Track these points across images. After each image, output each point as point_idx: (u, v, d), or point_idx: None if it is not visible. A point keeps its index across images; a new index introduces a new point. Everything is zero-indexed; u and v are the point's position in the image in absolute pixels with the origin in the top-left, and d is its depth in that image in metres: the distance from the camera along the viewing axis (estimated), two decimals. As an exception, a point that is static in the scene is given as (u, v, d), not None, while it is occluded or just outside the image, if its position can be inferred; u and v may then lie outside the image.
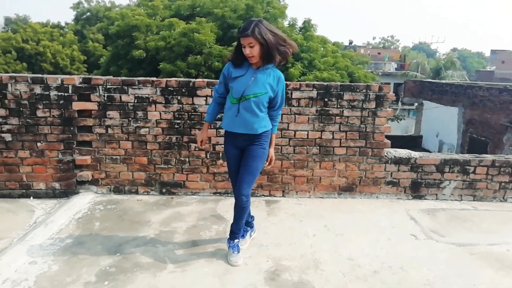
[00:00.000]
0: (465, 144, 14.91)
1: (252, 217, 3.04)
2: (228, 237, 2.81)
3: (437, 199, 4.04)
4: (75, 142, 3.70)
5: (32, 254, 2.73)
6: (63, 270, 2.56)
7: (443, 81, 19.99)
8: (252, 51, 2.42)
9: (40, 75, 3.60)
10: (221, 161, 3.82)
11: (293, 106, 3.79)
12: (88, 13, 28.99)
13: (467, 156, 4.09)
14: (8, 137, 3.63)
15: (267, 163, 2.80)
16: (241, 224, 2.76)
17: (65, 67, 23.63)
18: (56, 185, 3.76)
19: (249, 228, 2.99)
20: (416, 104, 21.40)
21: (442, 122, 16.58)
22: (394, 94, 3.96)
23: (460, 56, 41.12)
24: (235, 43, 2.64)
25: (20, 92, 3.56)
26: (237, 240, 2.78)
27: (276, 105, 2.66)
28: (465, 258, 2.93)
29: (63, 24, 30.25)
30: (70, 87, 3.58)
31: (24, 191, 3.74)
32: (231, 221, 3.28)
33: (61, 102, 3.59)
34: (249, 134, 2.60)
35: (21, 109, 3.59)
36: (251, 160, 2.64)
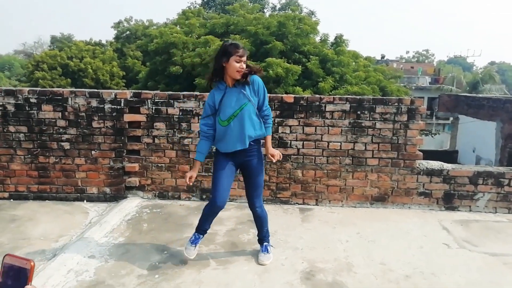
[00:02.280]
0: (503, 159, 14.38)
1: (210, 227, 2.99)
2: (260, 244, 3.03)
3: (470, 211, 4.07)
4: (125, 151, 4.06)
5: (91, 250, 3.04)
6: (118, 264, 2.85)
7: (480, 95, 19.45)
8: (244, 66, 2.62)
9: (96, 90, 4.01)
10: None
11: (327, 118, 3.98)
12: (128, 32, 30.56)
13: (501, 169, 4.11)
14: (66, 145, 4.03)
15: (274, 159, 2.84)
16: (265, 231, 2.99)
17: (105, 82, 24.95)
18: (107, 190, 4.11)
19: (201, 235, 2.93)
20: (451, 118, 20.88)
21: (479, 137, 16.10)
22: (426, 108, 4.07)
23: (499, 70, 39.68)
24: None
25: (78, 105, 3.97)
26: (266, 243, 2.99)
27: (260, 105, 2.73)
28: (498, 267, 2.98)
29: (104, 42, 31.99)
30: (122, 100, 3.95)
31: (78, 194, 4.12)
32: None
33: (114, 114, 3.97)
34: (248, 146, 2.71)
35: (79, 120, 3.99)
36: (255, 176, 2.82)
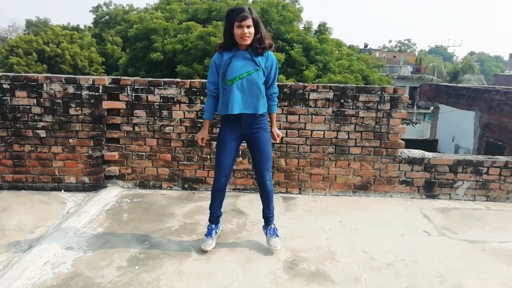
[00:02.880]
0: (481, 148, 14.78)
1: (221, 212, 3.01)
2: (264, 224, 2.99)
3: (450, 198, 4.14)
4: (104, 139, 3.93)
5: (68, 241, 2.95)
6: (97, 255, 2.77)
7: (460, 85, 19.84)
8: (250, 31, 2.57)
9: (73, 76, 3.85)
10: (240, 158, 4.01)
11: (310, 106, 3.95)
12: (107, 17, 29.74)
13: (480, 157, 4.18)
14: (42, 133, 3.88)
15: (278, 139, 2.90)
16: (272, 207, 2.94)
17: (84, 68, 24.32)
18: (86, 179, 3.99)
19: (214, 226, 2.94)
20: (432, 108, 21.26)
21: (458, 126, 16.47)
22: (409, 97, 4.08)
23: (478, 60, 40.47)
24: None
25: (54, 91, 3.81)
26: (273, 224, 2.97)
27: (269, 82, 2.75)
28: (477, 254, 3.04)
29: (82, 27, 31.06)
30: (100, 87, 3.82)
31: (56, 184, 3.99)
32: (251, 215, 3.48)
33: (92, 101, 3.84)
34: (251, 115, 2.69)
35: (55, 107, 3.84)
36: (263, 146, 2.78)
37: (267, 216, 2.96)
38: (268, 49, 2.68)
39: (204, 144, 2.81)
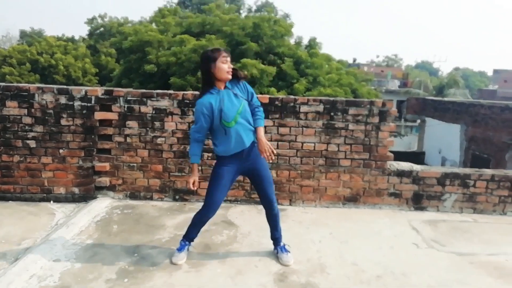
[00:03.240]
0: (467, 161, 15.01)
1: (197, 236, 3.00)
2: (275, 244, 3.03)
3: (438, 211, 4.20)
4: (95, 150, 3.92)
5: (56, 253, 2.91)
6: (85, 268, 2.74)
7: (445, 99, 20.22)
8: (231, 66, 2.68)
9: (65, 87, 3.85)
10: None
11: (301, 119, 4.00)
12: (102, 28, 29.76)
13: (467, 170, 4.27)
14: (32, 143, 3.85)
15: (271, 155, 2.78)
16: (279, 227, 3.02)
17: (77, 79, 24.21)
18: (76, 190, 3.96)
19: (187, 243, 2.94)
20: (418, 121, 21.60)
21: (444, 139, 16.74)
22: (397, 110, 4.17)
23: (463, 75, 41.41)
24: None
25: (46, 101, 3.80)
26: (283, 242, 3.03)
27: (254, 103, 2.81)
28: (465, 266, 3.08)
29: (77, 38, 31.02)
30: (93, 97, 3.82)
31: (45, 195, 3.95)
32: (241, 226, 3.49)
33: (84, 111, 3.83)
34: (250, 146, 2.74)
35: (46, 117, 3.82)
36: (265, 172, 2.87)
37: (276, 237, 3.02)
38: (244, 79, 2.79)
39: (195, 188, 2.79)
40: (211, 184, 2.80)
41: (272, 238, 3.04)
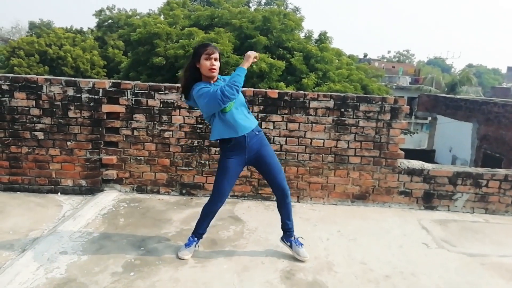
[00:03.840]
0: (478, 160, 14.78)
1: (206, 231, 2.96)
2: (286, 235, 2.95)
3: (449, 210, 4.12)
4: (102, 142, 3.91)
5: (63, 245, 2.91)
6: (91, 260, 2.73)
7: (458, 96, 19.91)
8: (217, 64, 2.62)
9: (73, 79, 3.83)
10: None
11: (310, 115, 3.94)
12: (110, 21, 29.81)
13: (480, 170, 4.17)
14: (40, 135, 3.85)
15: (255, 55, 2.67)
16: (292, 218, 2.95)
17: (85, 71, 24.30)
18: (83, 182, 3.96)
19: (196, 239, 2.91)
20: (429, 118, 21.31)
21: (455, 137, 16.49)
22: (408, 107, 4.08)
23: (476, 72, 40.73)
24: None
25: (54, 93, 3.79)
26: (295, 234, 2.96)
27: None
28: (475, 268, 3.01)
29: (85, 30, 31.13)
30: (100, 90, 3.80)
31: (52, 186, 3.96)
32: (248, 222, 3.46)
33: (92, 104, 3.82)
34: (253, 135, 2.71)
35: (54, 109, 3.81)
36: (272, 159, 2.82)
37: (289, 228, 2.94)
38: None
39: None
40: (218, 175, 2.80)
41: (283, 229, 2.95)
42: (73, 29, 30.13)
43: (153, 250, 2.93)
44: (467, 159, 15.56)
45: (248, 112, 2.79)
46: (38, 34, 28.42)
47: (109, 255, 2.81)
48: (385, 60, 60.45)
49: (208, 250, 2.97)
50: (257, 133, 2.76)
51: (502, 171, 4.17)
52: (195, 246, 2.91)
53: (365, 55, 45.66)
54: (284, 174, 2.91)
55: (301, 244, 2.93)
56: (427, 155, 17.67)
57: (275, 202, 3.97)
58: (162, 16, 17.05)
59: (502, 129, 13.60)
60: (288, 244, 2.94)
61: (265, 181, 3.99)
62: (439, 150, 18.52)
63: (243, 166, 2.85)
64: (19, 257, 2.69)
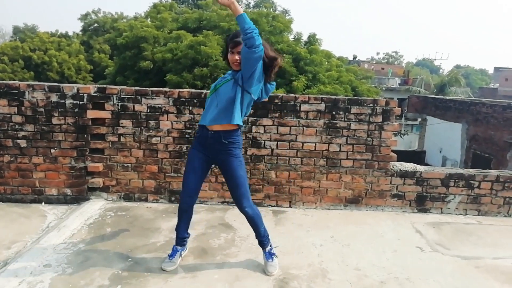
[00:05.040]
0: (468, 160, 14.93)
1: (189, 234, 2.89)
2: (261, 248, 2.83)
3: (442, 213, 4.09)
4: (87, 149, 3.79)
5: (47, 258, 2.79)
6: (77, 273, 2.62)
7: (447, 97, 20.13)
8: (237, 58, 2.50)
9: (57, 84, 3.71)
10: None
11: (301, 118, 3.87)
12: (96, 24, 29.46)
13: (472, 171, 4.15)
14: (23, 143, 3.72)
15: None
16: (262, 230, 2.76)
17: (71, 77, 23.95)
18: (68, 191, 3.83)
19: (179, 248, 2.81)
20: (419, 119, 21.49)
21: (445, 138, 16.65)
22: (400, 109, 4.05)
23: (464, 73, 41.26)
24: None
25: (37, 99, 3.66)
26: (268, 247, 2.81)
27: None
28: (470, 271, 2.97)
29: (71, 34, 30.72)
30: (85, 95, 3.68)
31: (36, 196, 3.82)
32: (240, 229, 3.38)
33: (76, 110, 3.70)
34: (217, 137, 2.57)
35: (37, 116, 3.69)
36: (233, 172, 2.63)
37: (259, 240, 2.81)
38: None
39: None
40: (184, 170, 2.74)
41: (258, 241, 2.83)
42: (58, 33, 29.69)
43: (141, 261, 2.82)
44: (457, 159, 15.71)
45: (235, 109, 2.49)
46: (22, 39, 27.95)
47: (95, 267, 2.70)
48: (374, 62, 60.97)
49: (198, 260, 2.88)
50: (224, 142, 2.55)
51: (493, 172, 4.16)
52: (180, 256, 2.81)
53: (355, 57, 45.98)
54: (245, 190, 2.66)
55: (272, 259, 2.77)
56: (418, 156, 17.79)
57: (267, 208, 3.93)
58: (149, 19, 16.87)
59: (491, 130, 13.76)
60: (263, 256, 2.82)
61: (256, 187, 3.95)
62: (430, 151, 18.67)
63: (209, 164, 2.71)
64: (0, 272, 2.57)
